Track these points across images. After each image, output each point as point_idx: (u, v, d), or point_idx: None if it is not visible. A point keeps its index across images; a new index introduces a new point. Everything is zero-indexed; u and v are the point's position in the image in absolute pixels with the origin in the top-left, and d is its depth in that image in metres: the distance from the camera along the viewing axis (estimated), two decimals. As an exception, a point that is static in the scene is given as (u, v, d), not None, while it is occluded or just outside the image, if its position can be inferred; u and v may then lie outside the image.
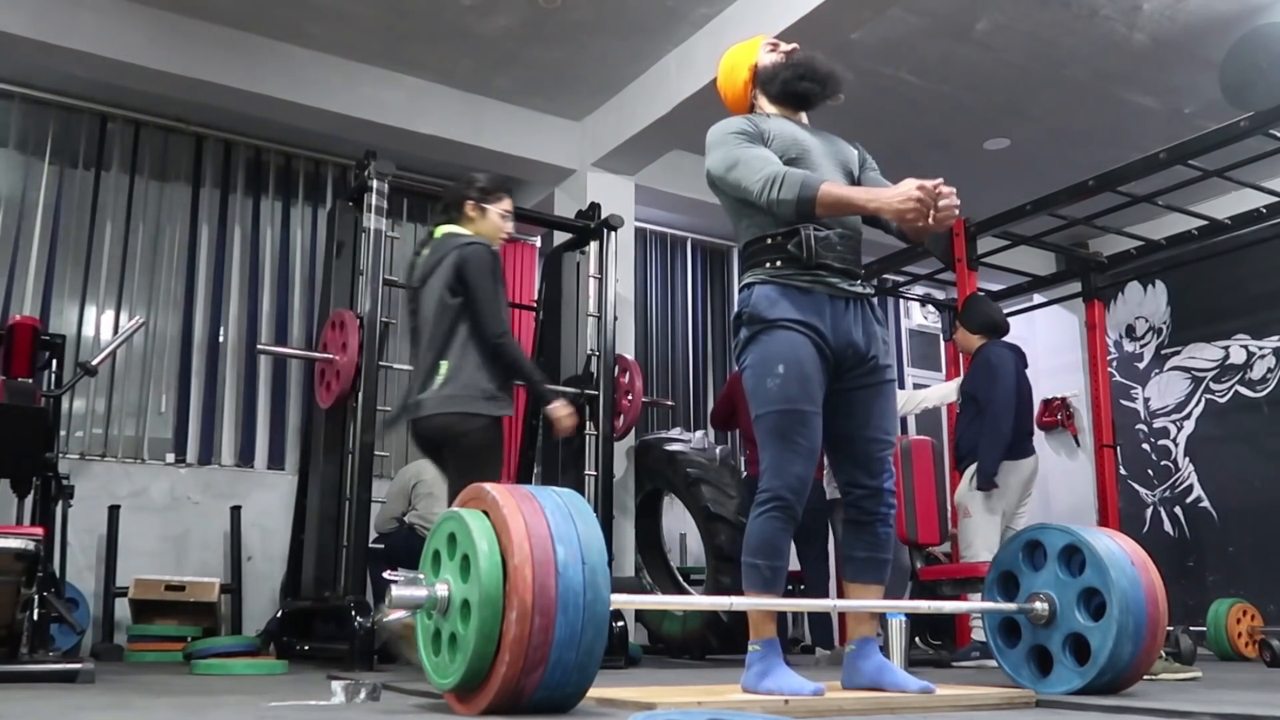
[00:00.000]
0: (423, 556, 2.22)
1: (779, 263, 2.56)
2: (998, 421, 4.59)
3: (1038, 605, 2.77)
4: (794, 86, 2.71)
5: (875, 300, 2.70)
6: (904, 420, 6.92)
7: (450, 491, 3.33)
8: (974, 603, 2.97)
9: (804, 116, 2.78)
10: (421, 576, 2.15)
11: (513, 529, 1.99)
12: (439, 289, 3.30)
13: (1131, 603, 2.64)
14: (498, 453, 3.33)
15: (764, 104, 2.77)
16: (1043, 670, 2.80)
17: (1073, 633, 2.72)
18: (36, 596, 3.29)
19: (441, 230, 3.44)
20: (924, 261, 6.31)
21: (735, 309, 2.70)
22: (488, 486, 2.13)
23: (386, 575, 2.16)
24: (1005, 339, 4.95)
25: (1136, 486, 6.85)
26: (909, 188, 2.38)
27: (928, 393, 5.41)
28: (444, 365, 3.28)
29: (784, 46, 2.79)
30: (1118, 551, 2.73)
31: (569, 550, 1.99)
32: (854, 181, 2.75)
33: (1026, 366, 5.01)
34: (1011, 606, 2.81)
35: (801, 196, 2.45)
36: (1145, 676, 3.47)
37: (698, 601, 2.36)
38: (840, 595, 2.76)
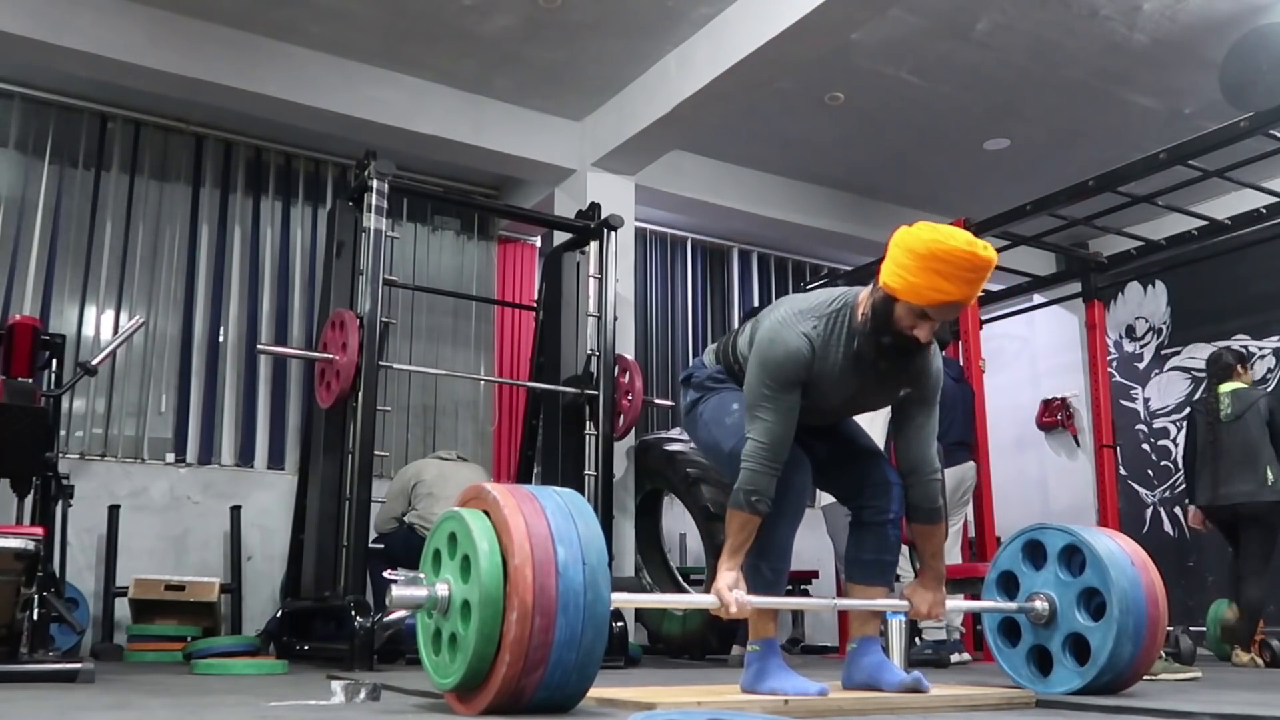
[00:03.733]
0: (423, 556, 2.22)
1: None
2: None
3: (1038, 604, 2.77)
4: (863, 355, 2.46)
5: None
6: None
7: (1247, 557, 4.89)
8: (975, 602, 2.97)
9: None
10: (422, 576, 2.15)
11: (513, 529, 1.98)
12: (1257, 423, 4.92)
13: (1132, 603, 2.65)
14: None
15: (864, 308, 2.46)
16: (1043, 670, 2.80)
17: (1073, 633, 2.72)
18: (36, 596, 3.30)
19: (1229, 387, 5.11)
20: (924, 261, 6.30)
21: (685, 372, 2.78)
22: (488, 485, 2.13)
23: (387, 574, 2.16)
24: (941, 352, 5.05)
25: (1136, 486, 6.85)
26: (718, 593, 2.37)
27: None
28: (1270, 470, 4.84)
29: (921, 332, 2.36)
30: (1118, 552, 2.73)
31: (569, 551, 1.99)
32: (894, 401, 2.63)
33: (957, 378, 5.09)
34: (1012, 606, 2.81)
35: (738, 495, 2.41)
36: (1145, 677, 3.48)
37: (697, 600, 2.36)
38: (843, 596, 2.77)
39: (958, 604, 2.94)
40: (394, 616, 2.18)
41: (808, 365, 2.45)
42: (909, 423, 2.61)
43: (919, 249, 2.30)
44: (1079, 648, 2.72)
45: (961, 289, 2.30)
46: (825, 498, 4.97)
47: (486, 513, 2.08)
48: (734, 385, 2.64)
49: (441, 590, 2.08)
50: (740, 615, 2.39)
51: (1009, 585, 2.89)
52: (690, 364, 2.80)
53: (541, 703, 2.00)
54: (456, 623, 2.04)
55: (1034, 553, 2.86)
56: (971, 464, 5.07)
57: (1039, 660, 2.82)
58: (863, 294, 2.50)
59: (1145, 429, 6.89)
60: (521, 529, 1.99)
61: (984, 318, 6.13)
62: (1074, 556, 2.77)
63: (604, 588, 2.01)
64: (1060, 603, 2.74)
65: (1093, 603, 2.71)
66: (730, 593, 2.37)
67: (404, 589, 2.10)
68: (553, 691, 1.99)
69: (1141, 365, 7.05)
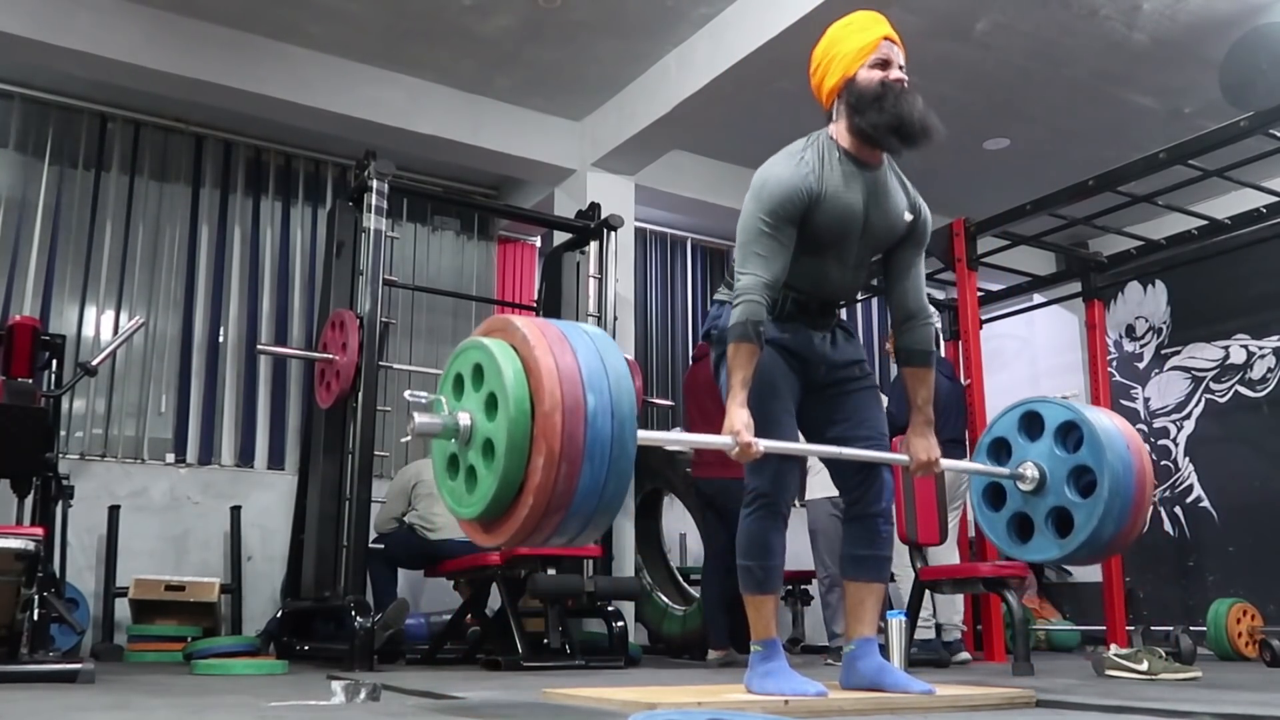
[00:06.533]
0: (443, 378, 2.14)
1: None
2: None
3: (1028, 472, 2.75)
4: (880, 136, 2.55)
5: (845, 323, 2.78)
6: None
7: None
8: (967, 463, 2.97)
9: (880, 153, 2.65)
10: (442, 399, 2.09)
11: (544, 372, 1.91)
12: None
13: (1122, 485, 2.64)
14: None
15: (842, 124, 2.61)
16: (1022, 538, 2.82)
17: (1059, 506, 2.72)
18: (36, 596, 3.30)
19: None
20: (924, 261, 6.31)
21: (706, 324, 2.74)
22: (516, 321, 2.03)
23: (408, 395, 2.11)
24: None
25: (1136, 486, 6.84)
26: (737, 435, 2.34)
27: None
28: None
29: (893, 73, 2.56)
30: (1115, 433, 2.71)
31: (600, 400, 1.92)
32: (890, 248, 2.70)
33: (950, 376, 5.24)
34: (1004, 471, 2.80)
35: (737, 327, 2.44)
36: (1146, 677, 3.48)
37: (713, 440, 2.30)
38: (842, 595, 2.76)
39: (953, 464, 2.92)
40: (420, 423, 2.05)
41: (808, 193, 2.50)
42: (905, 269, 2.72)
43: (828, 37, 2.64)
44: (1062, 521, 2.72)
45: (879, 27, 2.61)
46: (810, 493, 4.96)
47: (514, 348, 1.99)
48: None
49: (464, 420, 2.02)
50: (755, 456, 2.36)
51: (1000, 452, 2.87)
52: (709, 315, 2.76)
53: (561, 543, 2.02)
54: (477, 458, 1.99)
55: (1031, 424, 2.83)
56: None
57: (1020, 528, 2.82)
58: (829, 127, 2.63)
59: (1145, 429, 6.88)
60: (552, 372, 1.91)
61: (984, 318, 6.14)
62: (1071, 433, 2.75)
63: (630, 441, 1.95)
64: (1051, 476, 2.74)
65: (1083, 480, 2.71)
66: (746, 432, 2.35)
67: (425, 416, 2.03)
68: (570, 534, 1.98)
69: (1141, 365, 7.05)
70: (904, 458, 2.66)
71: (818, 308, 2.65)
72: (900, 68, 2.59)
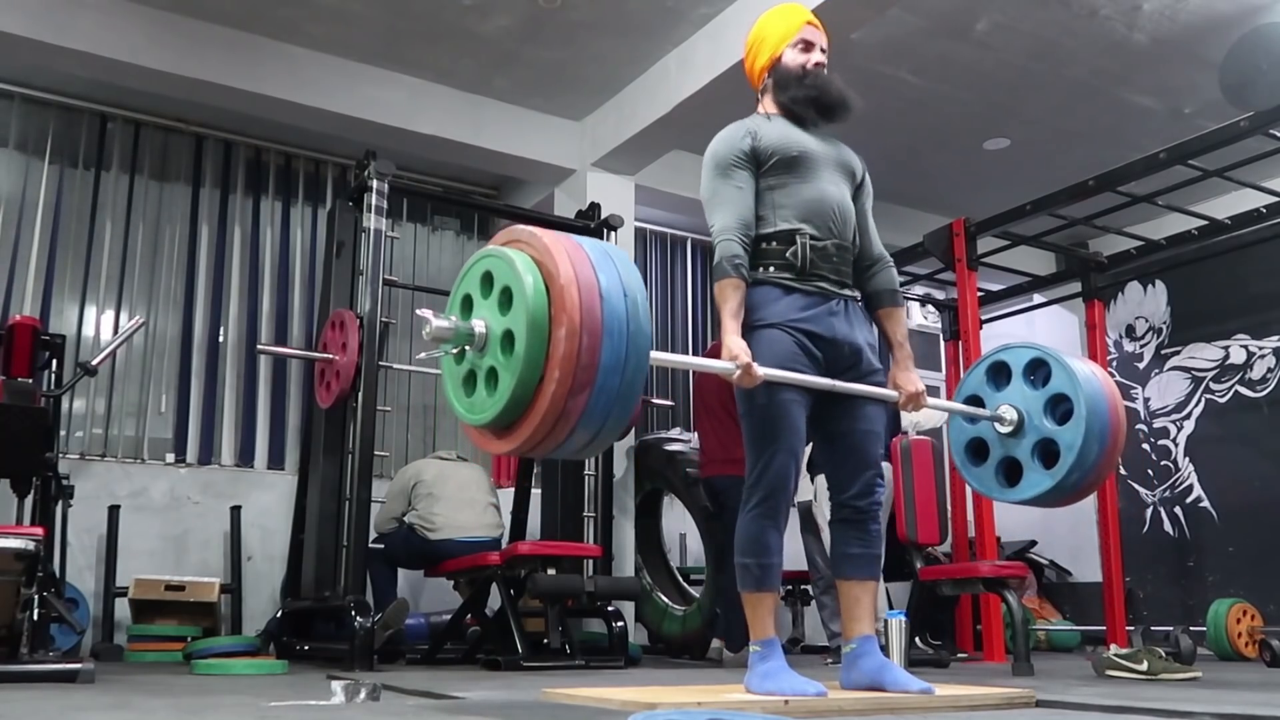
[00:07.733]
0: (450, 299, 2.19)
1: (772, 269, 2.64)
2: None
3: (1007, 414, 2.81)
4: (798, 109, 2.79)
5: (861, 304, 2.83)
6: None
7: None
8: (950, 402, 2.98)
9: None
10: (454, 318, 2.11)
11: (555, 255, 1.99)
12: None
13: (1098, 405, 2.71)
14: None
15: (769, 99, 2.85)
16: (1011, 481, 2.85)
17: (1042, 439, 2.77)
18: (36, 596, 3.30)
19: None
20: (924, 261, 6.30)
21: None
22: (517, 227, 2.14)
23: (420, 312, 2.12)
24: None
25: (1136, 486, 6.85)
26: (736, 360, 2.41)
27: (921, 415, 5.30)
28: None
29: (814, 56, 2.82)
30: (1081, 365, 2.80)
31: (611, 280, 2.00)
32: (853, 190, 2.84)
33: None
34: (984, 412, 2.84)
35: (717, 267, 2.58)
36: (1146, 677, 3.48)
37: (714, 365, 2.38)
38: (836, 594, 2.76)
39: (940, 404, 2.95)
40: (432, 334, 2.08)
41: (748, 133, 2.70)
42: (862, 216, 2.87)
43: (756, 25, 2.87)
44: (1047, 453, 2.77)
45: (802, 14, 2.86)
46: (800, 495, 4.95)
47: (520, 250, 2.07)
48: (760, 323, 2.60)
49: (478, 326, 2.05)
50: (757, 381, 2.41)
51: (975, 408, 2.93)
52: None
53: (581, 442, 2.01)
54: (496, 356, 2.02)
55: (998, 373, 2.90)
56: None
57: (1007, 472, 2.86)
58: (760, 102, 2.87)
59: (1145, 429, 6.89)
60: (564, 254, 2.00)
61: (984, 318, 6.13)
62: (1039, 369, 2.82)
63: (644, 320, 2.02)
64: (1028, 413, 2.80)
65: (1059, 410, 2.76)
66: (744, 355, 2.42)
67: (441, 321, 2.05)
68: (594, 426, 1.98)
69: (1141, 365, 7.05)
70: (894, 393, 2.70)
71: (835, 250, 2.69)
72: (822, 50, 2.84)
